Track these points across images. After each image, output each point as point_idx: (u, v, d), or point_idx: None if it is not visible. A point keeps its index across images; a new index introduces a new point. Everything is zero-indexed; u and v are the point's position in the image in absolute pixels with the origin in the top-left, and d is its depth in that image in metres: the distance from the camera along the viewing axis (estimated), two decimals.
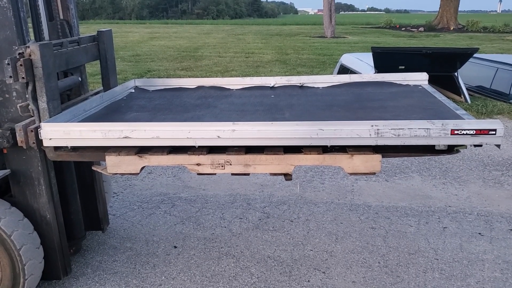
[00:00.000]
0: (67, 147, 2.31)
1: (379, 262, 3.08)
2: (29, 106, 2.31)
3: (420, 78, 3.09)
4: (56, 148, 2.34)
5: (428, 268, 3.00)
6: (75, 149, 2.34)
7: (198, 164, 2.23)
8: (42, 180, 2.51)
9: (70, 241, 2.91)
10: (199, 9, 65.17)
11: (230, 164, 2.21)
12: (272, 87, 3.18)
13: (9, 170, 2.49)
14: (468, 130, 2.04)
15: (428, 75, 3.07)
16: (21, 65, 2.18)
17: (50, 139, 2.23)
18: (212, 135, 2.15)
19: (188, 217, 3.74)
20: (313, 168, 4.75)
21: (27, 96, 2.29)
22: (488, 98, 7.81)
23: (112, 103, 2.88)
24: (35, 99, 2.30)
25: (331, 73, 10.04)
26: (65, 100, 2.86)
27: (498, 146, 2.09)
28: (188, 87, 3.25)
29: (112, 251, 3.24)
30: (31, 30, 2.57)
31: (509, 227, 3.53)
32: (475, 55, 7.39)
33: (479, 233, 3.44)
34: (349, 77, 3.23)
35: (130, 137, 2.18)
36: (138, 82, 3.32)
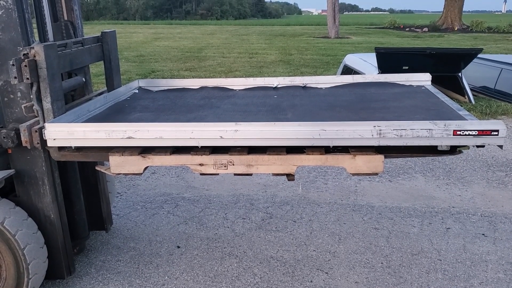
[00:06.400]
0: (71, 147, 2.32)
1: (382, 263, 3.08)
2: (34, 107, 2.33)
3: (423, 79, 3.09)
4: (60, 148, 2.36)
5: (431, 268, 3.00)
6: (79, 149, 2.36)
7: (201, 164, 2.23)
8: (46, 180, 2.52)
9: (73, 241, 2.93)
10: (203, 10, 65.28)
11: (233, 164, 2.22)
12: (275, 87, 3.19)
13: (13, 170, 2.51)
14: (471, 130, 2.04)
15: (431, 76, 3.07)
16: (25, 65, 2.20)
17: (54, 139, 2.25)
18: (215, 136, 2.16)
19: (191, 217, 3.75)
20: (317, 169, 4.75)
21: (31, 96, 2.31)
22: (492, 99, 7.78)
23: (116, 103, 2.90)
24: (39, 100, 2.32)
25: (335, 74, 10.03)
26: (69, 100, 2.88)
27: (501, 146, 2.09)
28: (192, 87, 3.26)
29: (116, 251, 3.26)
30: (35, 31, 2.59)
31: None
32: (479, 55, 7.36)
33: (483, 234, 3.43)
34: (352, 78, 3.23)
35: (133, 138, 2.19)
36: (142, 83, 3.33)
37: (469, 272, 2.96)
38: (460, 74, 7.48)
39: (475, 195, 4.13)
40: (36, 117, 2.36)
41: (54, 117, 2.34)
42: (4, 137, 2.37)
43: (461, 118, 2.26)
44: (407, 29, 28.29)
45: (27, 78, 2.22)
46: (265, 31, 28.88)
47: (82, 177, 3.03)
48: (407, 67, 7.02)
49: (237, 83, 3.24)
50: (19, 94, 2.39)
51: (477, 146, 2.11)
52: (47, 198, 2.56)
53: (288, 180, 2.31)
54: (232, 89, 3.20)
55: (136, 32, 28.00)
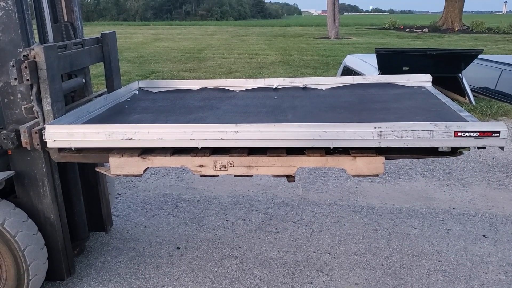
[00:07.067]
0: (71, 148, 2.32)
1: (382, 264, 3.07)
2: (34, 108, 2.32)
3: (423, 80, 3.08)
4: (60, 150, 2.35)
5: (432, 270, 2.99)
6: (79, 150, 2.35)
7: (201, 166, 2.23)
8: (46, 181, 2.52)
9: (74, 242, 2.93)
10: (203, 11, 65.27)
11: (233, 166, 2.22)
12: (275, 88, 3.18)
13: (13, 171, 2.51)
14: (472, 132, 2.03)
15: (431, 77, 3.07)
16: (25, 67, 2.19)
17: (54, 140, 2.24)
18: (215, 137, 2.16)
19: (191, 218, 3.75)
20: (317, 170, 4.74)
21: (31, 98, 2.31)
22: (492, 100, 7.77)
23: (116, 104, 2.90)
24: (39, 101, 2.31)
25: (335, 74, 10.03)
26: (69, 101, 2.87)
27: (502, 148, 2.08)
28: (191, 88, 3.26)
29: (116, 252, 3.25)
30: (35, 32, 2.59)
31: None
32: (480, 56, 7.36)
33: (483, 235, 3.42)
34: (352, 79, 3.23)
35: (133, 139, 2.19)
36: (142, 84, 3.33)
37: (470, 273, 2.95)
38: (460, 75, 7.48)
39: (476, 196, 4.12)
40: (36, 118, 2.36)
41: (54, 118, 2.34)
42: (4, 138, 2.37)
43: (462, 119, 2.26)
44: (407, 30, 28.30)
45: (27, 80, 2.21)
46: (265, 32, 28.89)
47: (82, 178, 3.03)
48: (407, 68, 7.02)
49: (237, 84, 3.24)
50: (19, 96, 2.39)
51: (478, 148, 2.11)
52: (47, 199, 2.55)
53: (288, 181, 2.31)
54: (232, 90, 3.20)
55: (136, 33, 28.01)
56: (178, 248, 3.30)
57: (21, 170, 2.51)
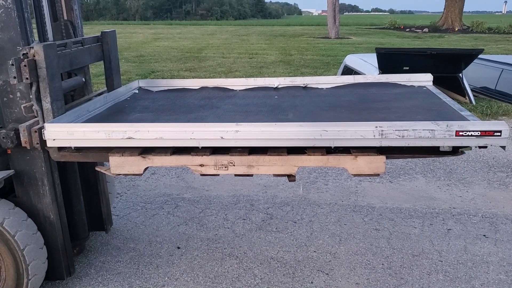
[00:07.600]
0: (70, 147, 2.31)
1: (382, 264, 3.07)
2: (33, 107, 2.32)
3: (424, 79, 3.08)
4: (60, 149, 2.35)
5: (432, 270, 2.99)
6: (78, 149, 2.35)
7: (201, 165, 2.22)
8: (46, 180, 2.51)
9: (73, 242, 2.92)
10: (203, 10, 65.27)
11: (234, 165, 2.21)
12: (276, 88, 3.18)
13: (13, 170, 2.50)
14: (473, 131, 2.03)
15: (432, 76, 3.06)
16: (25, 65, 2.18)
17: (54, 139, 2.24)
18: (215, 136, 2.15)
19: (191, 218, 3.74)
20: (317, 169, 4.73)
21: (31, 96, 2.30)
22: (493, 99, 7.77)
23: (116, 103, 2.89)
24: (39, 100, 2.31)
25: (335, 74, 10.02)
26: (69, 100, 2.86)
27: (503, 147, 2.08)
28: (192, 88, 3.25)
29: (116, 251, 3.24)
30: (35, 30, 2.58)
31: None
32: (480, 56, 7.36)
33: (484, 235, 3.42)
34: (353, 78, 3.22)
35: (133, 138, 2.18)
36: (142, 83, 3.32)
37: (471, 273, 2.94)
38: (460, 74, 7.47)
39: (476, 196, 4.12)
40: (36, 117, 2.35)
41: (54, 117, 2.33)
42: (3, 138, 2.36)
43: (463, 118, 2.25)
44: (407, 30, 28.29)
45: (27, 78, 2.20)
46: (265, 32, 28.88)
47: (82, 177, 3.02)
48: (407, 68, 7.01)
49: (238, 84, 3.23)
50: (18, 94, 2.38)
51: (479, 147, 2.10)
52: (46, 199, 2.55)
53: (289, 181, 2.30)
54: (233, 90, 3.19)
55: (136, 32, 27.99)
56: (178, 248, 3.29)
57: (20, 169, 2.50)
